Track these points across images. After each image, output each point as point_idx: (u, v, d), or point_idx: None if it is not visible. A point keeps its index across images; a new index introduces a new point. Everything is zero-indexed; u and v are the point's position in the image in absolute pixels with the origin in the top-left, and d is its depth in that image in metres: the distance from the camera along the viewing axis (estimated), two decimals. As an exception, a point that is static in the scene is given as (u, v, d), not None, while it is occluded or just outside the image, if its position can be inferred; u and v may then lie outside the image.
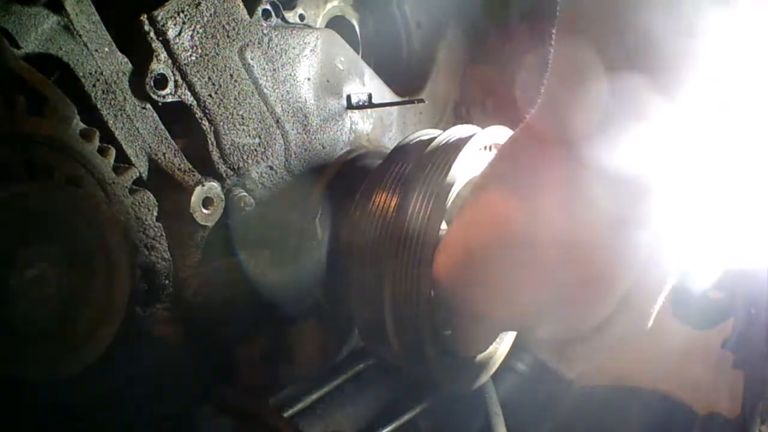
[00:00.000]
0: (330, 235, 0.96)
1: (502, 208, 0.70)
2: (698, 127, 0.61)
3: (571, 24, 0.60)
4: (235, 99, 0.87)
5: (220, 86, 0.85)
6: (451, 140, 0.86)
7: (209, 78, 0.84)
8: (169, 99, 0.81)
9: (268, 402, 0.98)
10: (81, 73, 0.75)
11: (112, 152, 0.77)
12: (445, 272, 0.78)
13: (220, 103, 0.85)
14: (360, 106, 1.06)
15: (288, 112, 0.94)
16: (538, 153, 0.69)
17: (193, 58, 0.82)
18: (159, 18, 0.79)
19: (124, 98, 0.78)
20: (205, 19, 0.83)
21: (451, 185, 0.81)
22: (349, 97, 1.04)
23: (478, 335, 0.80)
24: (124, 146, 0.79)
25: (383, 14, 1.28)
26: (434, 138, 0.88)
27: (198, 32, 0.82)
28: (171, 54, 0.80)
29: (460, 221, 0.76)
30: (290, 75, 0.94)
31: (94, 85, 0.76)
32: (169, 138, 0.84)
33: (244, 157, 0.90)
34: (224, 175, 0.89)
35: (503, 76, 1.37)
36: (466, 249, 0.74)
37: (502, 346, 0.96)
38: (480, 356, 0.94)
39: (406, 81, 1.28)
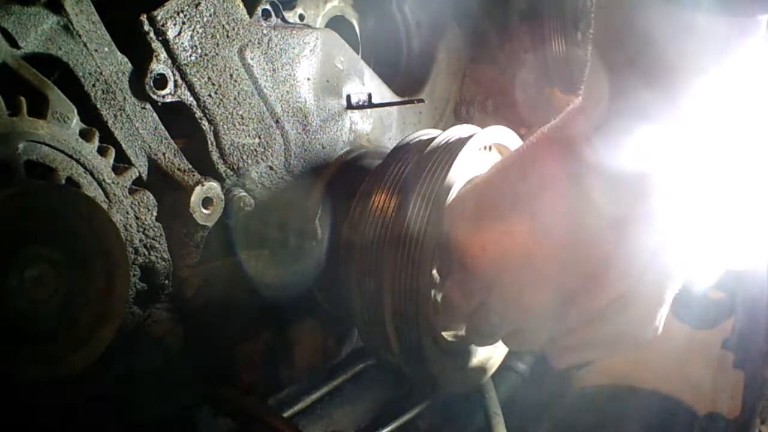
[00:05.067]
0: (330, 235, 0.96)
1: (504, 207, 0.70)
2: (698, 127, 0.61)
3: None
4: (234, 99, 0.87)
5: (220, 86, 0.85)
6: (451, 140, 0.86)
7: (209, 78, 0.84)
8: (169, 99, 0.81)
9: (268, 402, 0.98)
10: (81, 73, 0.75)
11: (112, 152, 0.77)
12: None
13: (219, 103, 0.85)
14: (360, 106, 1.05)
15: (288, 112, 0.94)
16: (539, 152, 0.69)
17: (193, 58, 0.82)
18: (159, 18, 0.79)
19: (124, 98, 0.78)
20: (205, 19, 0.83)
21: (450, 185, 0.81)
22: (349, 97, 1.04)
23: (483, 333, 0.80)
24: (123, 146, 0.79)
25: (383, 14, 1.28)
26: (434, 138, 0.88)
27: (198, 32, 0.82)
28: (171, 54, 0.80)
29: (463, 220, 0.76)
30: (290, 75, 0.94)
31: (93, 85, 0.76)
32: (169, 138, 0.84)
33: (244, 157, 0.90)
34: (224, 175, 0.89)
35: (503, 76, 1.37)
36: (467, 251, 0.74)
37: (501, 346, 0.96)
38: (479, 356, 0.94)
39: (406, 81, 1.28)
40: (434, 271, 0.85)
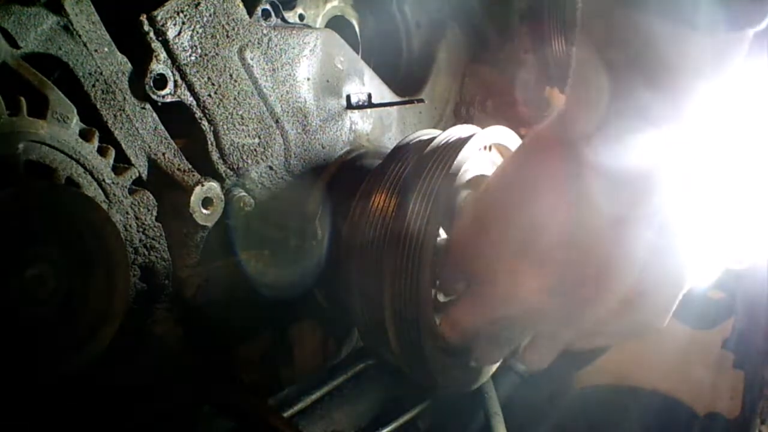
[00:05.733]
0: (330, 235, 0.96)
1: (501, 209, 0.70)
2: (698, 128, 0.61)
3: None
4: (234, 99, 0.87)
5: (220, 86, 0.85)
6: (451, 140, 0.86)
7: (209, 78, 0.84)
8: (169, 99, 0.81)
9: (268, 402, 0.98)
10: (80, 73, 0.75)
11: (112, 152, 0.77)
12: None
13: (219, 103, 0.85)
14: (360, 106, 1.06)
15: (288, 112, 0.94)
16: (538, 152, 0.69)
17: (193, 58, 0.82)
18: (159, 18, 0.79)
19: (124, 98, 0.78)
20: (205, 19, 0.83)
21: (450, 185, 0.81)
22: (348, 97, 1.04)
23: (487, 341, 0.81)
24: (123, 146, 0.79)
25: (383, 14, 1.28)
26: (434, 138, 0.88)
27: (197, 32, 0.82)
28: (170, 54, 0.80)
29: (464, 222, 0.76)
30: (290, 75, 0.94)
31: (93, 85, 0.76)
32: (169, 138, 0.84)
33: (244, 157, 0.90)
34: (224, 175, 0.89)
35: (503, 76, 1.37)
36: (467, 252, 0.74)
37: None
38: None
39: (406, 81, 1.28)
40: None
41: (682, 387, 1.17)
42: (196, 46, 0.82)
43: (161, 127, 0.83)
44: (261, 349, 1.00)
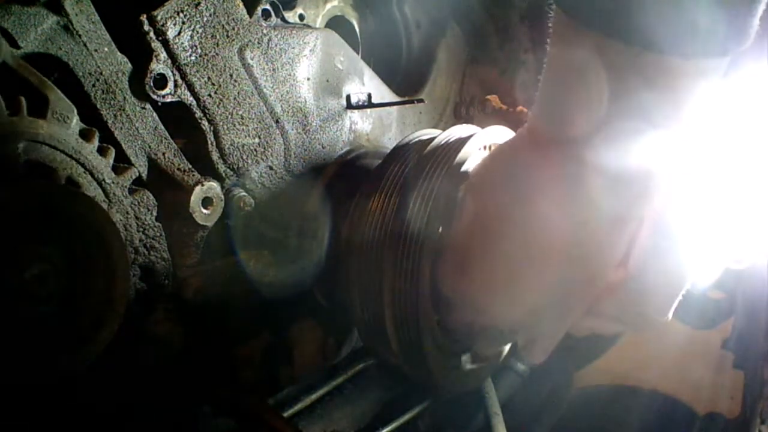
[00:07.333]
0: (330, 235, 0.96)
1: (501, 208, 0.70)
2: (698, 128, 0.61)
3: (570, 23, 0.60)
4: (234, 99, 0.87)
5: (220, 86, 0.85)
6: (451, 140, 0.86)
7: (209, 78, 0.84)
8: (169, 99, 0.81)
9: (268, 402, 0.98)
10: (81, 73, 0.75)
11: (112, 152, 0.77)
12: (447, 275, 0.78)
13: (219, 103, 0.85)
14: (360, 106, 1.06)
15: (287, 112, 0.94)
16: (537, 152, 0.69)
17: (193, 58, 0.82)
18: (159, 18, 0.79)
19: (124, 98, 0.78)
20: (205, 19, 0.83)
21: (450, 185, 0.81)
22: (348, 97, 1.04)
23: (487, 337, 0.81)
24: (123, 146, 0.79)
25: (383, 14, 1.28)
26: (434, 138, 0.88)
27: (197, 32, 0.82)
28: (170, 54, 0.80)
29: (460, 223, 0.76)
30: (290, 75, 0.94)
31: (93, 85, 0.76)
32: (169, 138, 0.84)
33: (244, 157, 0.90)
34: (224, 174, 0.89)
35: (503, 76, 1.37)
36: (467, 251, 0.74)
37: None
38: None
39: (406, 81, 1.28)
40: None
41: (682, 387, 1.17)
42: (196, 46, 0.82)
43: (161, 127, 0.83)
44: (261, 349, 1.00)
